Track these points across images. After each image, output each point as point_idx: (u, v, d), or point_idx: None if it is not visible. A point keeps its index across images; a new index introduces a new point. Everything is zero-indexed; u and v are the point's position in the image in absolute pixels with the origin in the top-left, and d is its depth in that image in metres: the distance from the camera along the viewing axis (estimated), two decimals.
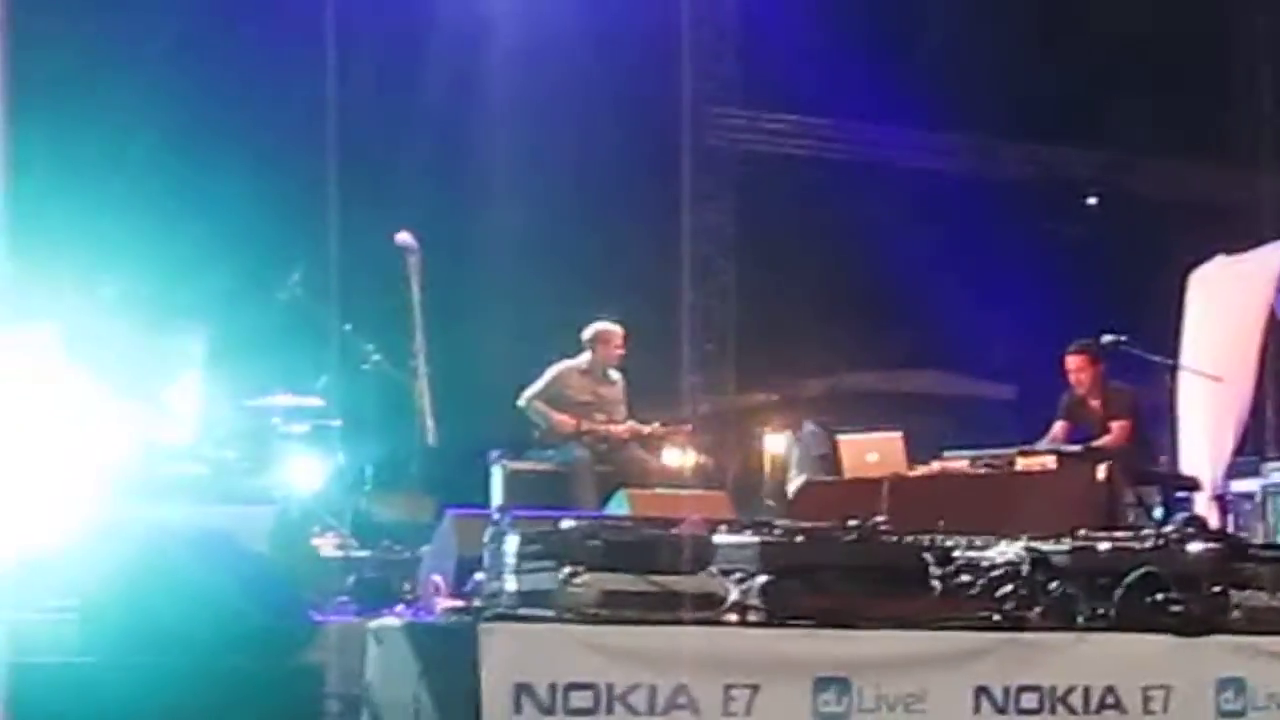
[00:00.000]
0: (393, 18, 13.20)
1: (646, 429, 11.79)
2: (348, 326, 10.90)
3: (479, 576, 6.24)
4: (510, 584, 5.94)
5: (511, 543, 5.96)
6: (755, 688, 5.87)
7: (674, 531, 6.30)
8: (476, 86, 13.40)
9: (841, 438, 11.28)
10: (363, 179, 12.54)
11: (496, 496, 11.27)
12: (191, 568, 6.34)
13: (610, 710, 5.70)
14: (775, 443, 15.84)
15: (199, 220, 11.85)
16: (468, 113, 13.34)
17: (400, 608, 7.89)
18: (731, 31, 15.38)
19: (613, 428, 11.61)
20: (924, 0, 15.25)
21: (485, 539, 6.20)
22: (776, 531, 6.49)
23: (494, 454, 11.55)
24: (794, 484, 11.52)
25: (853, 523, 6.47)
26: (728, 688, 5.85)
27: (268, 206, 11.54)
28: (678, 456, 12.29)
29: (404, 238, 10.02)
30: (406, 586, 8.56)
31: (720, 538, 6.29)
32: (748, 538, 6.28)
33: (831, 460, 11.19)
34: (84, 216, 10.95)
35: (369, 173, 12.64)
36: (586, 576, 5.78)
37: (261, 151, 11.60)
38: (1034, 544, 6.57)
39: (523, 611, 5.80)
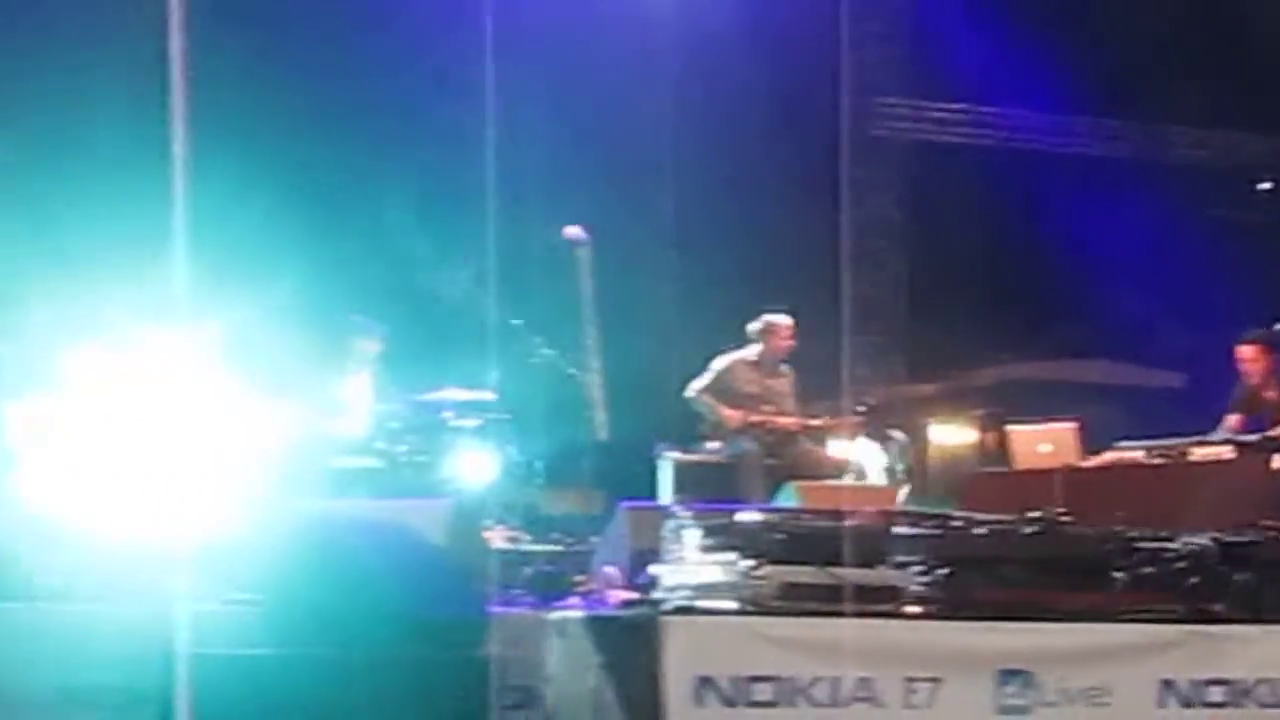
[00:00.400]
0: (556, 13, 13.23)
1: (815, 421, 11.72)
2: (517, 321, 10.94)
3: (657, 569, 6.23)
4: (690, 576, 5.93)
5: (691, 535, 5.96)
6: (937, 680, 5.84)
7: (850, 524, 6.26)
8: (641, 80, 13.40)
9: (1012, 428, 11.14)
10: (530, 174, 12.56)
11: (664, 489, 11.24)
12: (371, 560, 6.39)
13: (792, 703, 5.69)
14: (942, 434, 15.76)
15: (371, 219, 11.96)
16: (632, 106, 13.34)
17: (575, 600, 7.94)
18: (896, 20, 15.28)
19: (781, 420, 11.54)
20: None
21: (664, 531, 6.18)
22: (955, 524, 6.43)
23: (661, 447, 11.52)
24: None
25: (1033, 514, 6.41)
26: (909, 680, 5.83)
27: (437, 203, 11.61)
28: (846, 448, 12.18)
29: (573, 232, 10.04)
30: (579, 579, 8.58)
31: (898, 530, 6.25)
32: (926, 530, 6.24)
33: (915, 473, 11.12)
34: (258, 218, 11.08)
35: (536, 168, 12.68)
36: (767, 569, 5.76)
37: (430, 149, 11.69)
38: (1219, 535, 6.47)
39: (704, 604, 5.79)
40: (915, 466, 14.86)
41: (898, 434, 11.67)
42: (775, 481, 10.86)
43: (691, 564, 5.94)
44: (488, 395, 10.98)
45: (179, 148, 6.08)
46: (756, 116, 13.90)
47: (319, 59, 12.52)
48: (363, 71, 12.72)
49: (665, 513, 6.83)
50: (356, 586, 6.23)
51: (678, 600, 5.88)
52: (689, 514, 6.11)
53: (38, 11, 11.45)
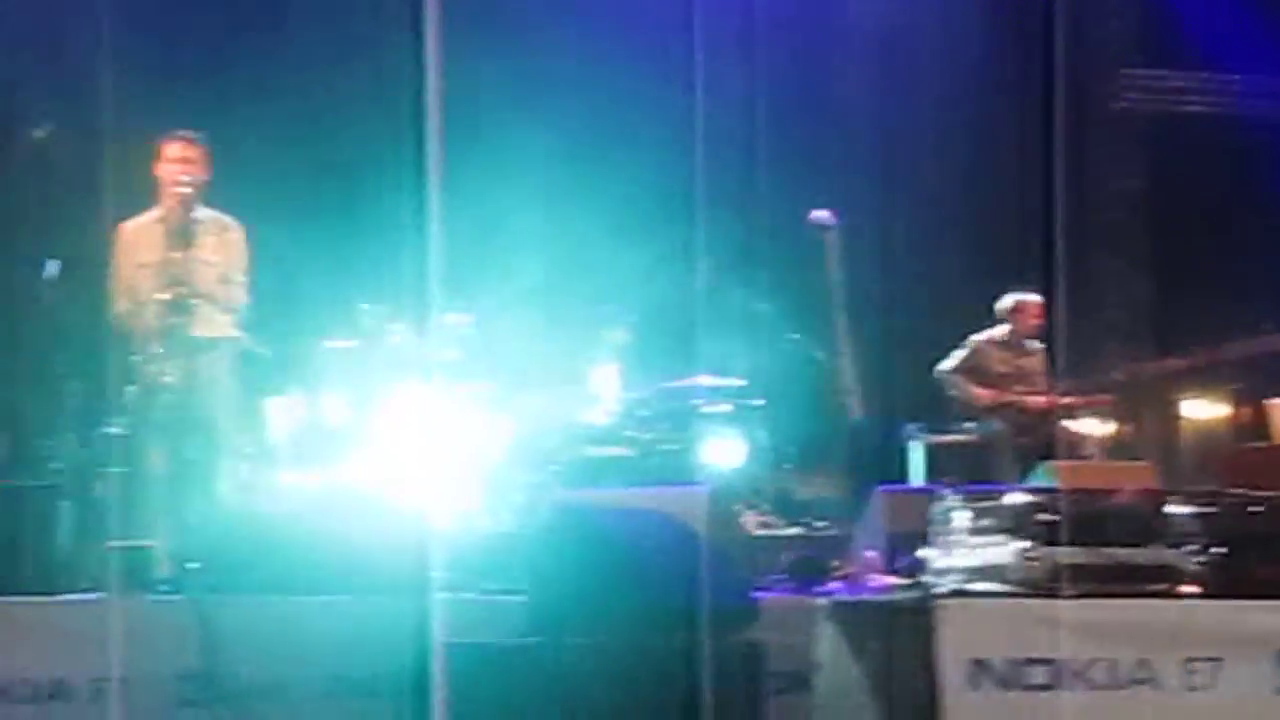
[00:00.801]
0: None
1: (1066, 400, 11.59)
2: (765, 307, 10.94)
3: (925, 553, 6.18)
4: (961, 559, 5.88)
5: (960, 517, 5.90)
6: (1218, 661, 5.72)
7: (1120, 502, 6.15)
8: (881, 62, 13.33)
9: (1273, 402, 10.94)
10: (777, 159, 12.56)
11: (915, 471, 11.20)
12: (634, 548, 6.42)
13: (1069, 685, 5.61)
14: (1194, 409, 15.44)
15: (617, 206, 12.00)
16: (872, 88, 13.28)
17: (835, 585, 7.92)
18: None
19: (1031, 399, 11.44)
20: None
21: (931, 514, 6.13)
22: (1229, 501, 6.27)
23: (910, 428, 11.47)
24: None
25: None
26: (1188, 661, 5.72)
27: (683, 189, 11.64)
28: (1098, 426, 12.01)
29: (821, 215, 10.00)
30: (836, 564, 8.56)
31: (1170, 508, 6.12)
32: (1200, 508, 6.10)
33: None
34: (506, 210, 11.19)
35: (782, 152, 12.66)
36: (1040, 550, 5.69)
37: (677, 136, 11.69)
38: None
39: (978, 587, 5.74)
40: (1167, 443, 14.64)
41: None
42: (1027, 461, 10.73)
43: (961, 547, 5.88)
44: (737, 381, 11.01)
45: (433, 144, 6.14)
46: (993, 91, 13.71)
47: (568, 48, 12.61)
48: (608, 60, 12.76)
49: (927, 495, 6.77)
50: (620, 575, 6.27)
51: (950, 584, 5.83)
52: (957, 497, 6.03)
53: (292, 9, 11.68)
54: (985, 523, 5.84)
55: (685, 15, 11.43)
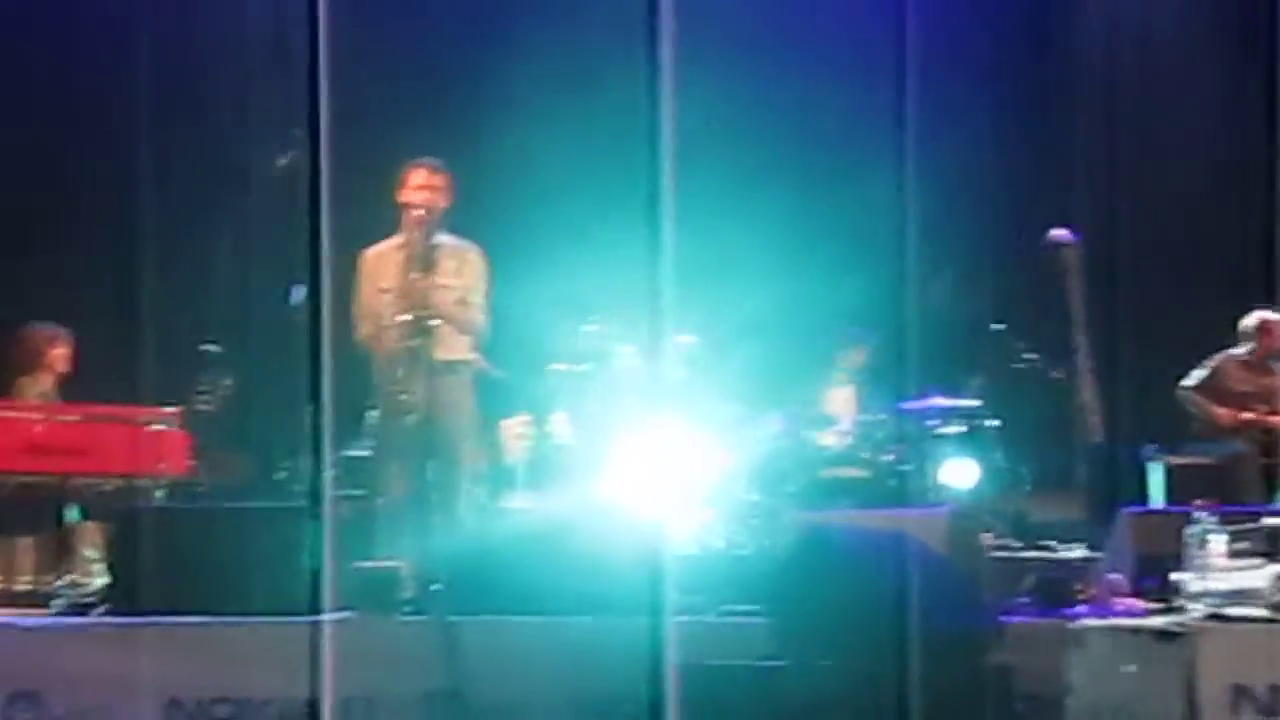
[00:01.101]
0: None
1: None
2: (1000, 326, 10.83)
3: (1178, 576, 6.06)
4: (1216, 583, 5.75)
5: (1216, 540, 5.77)
6: None
7: None
8: (1100, 81, 13.16)
9: None
10: (1006, 178, 12.46)
11: (1154, 492, 11.00)
12: (877, 571, 6.37)
13: None
14: None
15: (851, 228, 11.96)
16: (1099, 107, 13.10)
17: (1080, 608, 7.79)
18: None
19: (1275, 419, 11.22)
20: None
21: (1186, 537, 6.00)
22: None
23: (1149, 449, 11.27)
24: None
25: None
26: None
27: (923, 209, 11.57)
28: None
29: (1060, 233, 9.88)
30: (1079, 586, 8.43)
31: None
32: None
33: None
34: (739, 231, 11.20)
35: (1010, 171, 12.56)
36: None
37: (912, 152, 11.62)
38: None
39: (1235, 611, 5.61)
40: None
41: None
42: (1272, 482, 10.53)
43: (1216, 570, 5.75)
44: (972, 402, 10.91)
45: (666, 166, 6.15)
46: (1217, 107, 13.42)
47: (796, 72, 12.59)
48: (835, 85, 12.69)
49: (1176, 517, 6.64)
50: (867, 598, 6.22)
51: (1205, 608, 5.70)
52: (1213, 519, 5.90)
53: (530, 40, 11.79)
54: (1241, 545, 5.72)
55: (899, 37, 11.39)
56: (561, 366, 10.89)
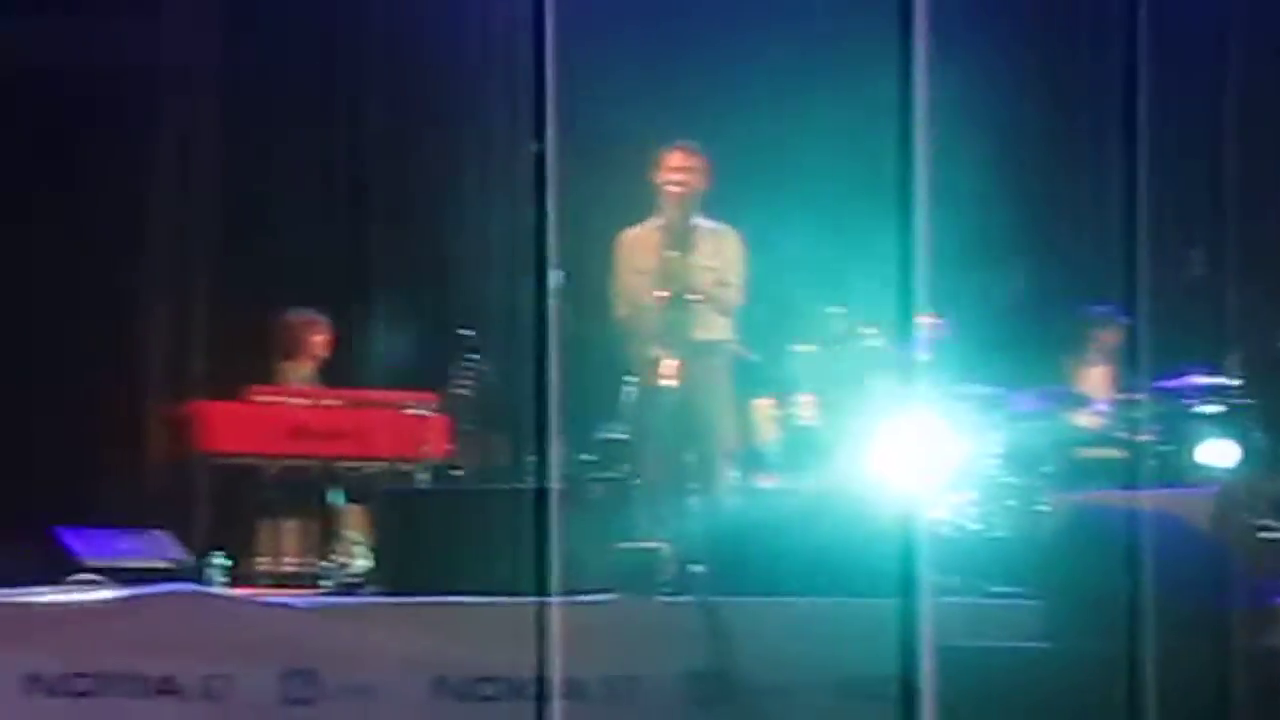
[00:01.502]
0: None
1: None
2: (1261, 301, 10.62)
3: None
4: None
5: None
6: None
7: None
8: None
9: None
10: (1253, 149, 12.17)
11: None
12: (1153, 552, 6.27)
13: None
14: None
15: (1103, 203, 11.80)
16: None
17: None
18: None
19: None
20: None
21: None
22: None
23: None
24: None
25: None
26: None
27: (1172, 183, 11.39)
28: None
29: None
30: None
31: None
32: None
33: None
34: (987, 210, 11.09)
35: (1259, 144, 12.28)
36: None
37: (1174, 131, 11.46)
38: None
39: None
40: None
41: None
42: None
43: None
44: (1232, 381, 10.70)
45: (919, 147, 6.09)
46: None
47: (1029, 50, 12.43)
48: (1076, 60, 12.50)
49: None
50: (1140, 580, 6.13)
51: None
52: None
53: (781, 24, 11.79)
54: None
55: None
56: (808, 348, 10.89)
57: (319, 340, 10.16)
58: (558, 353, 10.05)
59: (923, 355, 10.83)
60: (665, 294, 8.79)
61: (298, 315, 10.20)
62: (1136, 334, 10.95)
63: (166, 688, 6.20)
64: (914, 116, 5.91)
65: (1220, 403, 10.67)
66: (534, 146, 9.20)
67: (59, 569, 7.26)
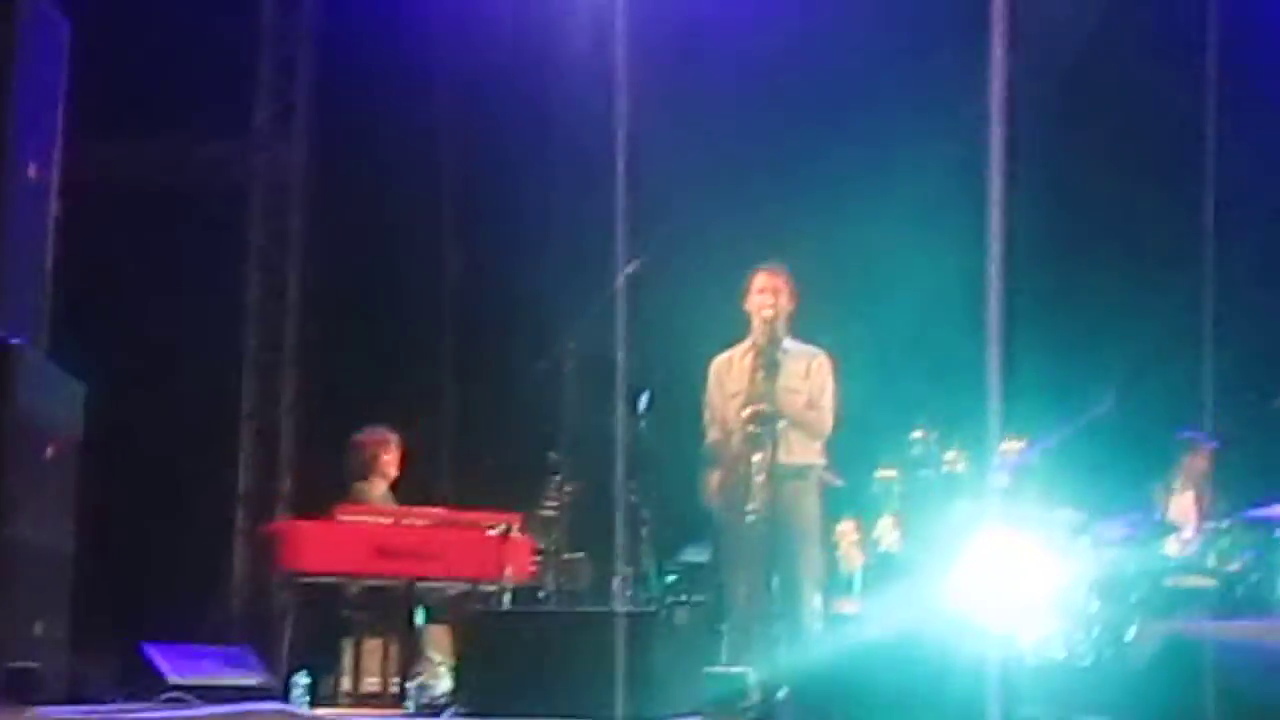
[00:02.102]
0: None
1: None
2: None
3: None
4: None
5: None
6: None
7: None
8: None
9: None
10: None
11: None
12: (1254, 684, 6.20)
13: None
14: None
15: (1189, 327, 11.75)
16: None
17: None
18: None
19: None
20: None
21: None
22: None
23: None
24: None
25: None
26: None
27: (1259, 315, 11.34)
28: None
29: None
30: None
31: None
32: None
33: None
34: (1072, 334, 11.06)
35: None
36: None
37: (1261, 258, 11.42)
38: None
39: None
40: None
41: None
42: None
43: None
44: None
45: (995, 282, 6.09)
46: None
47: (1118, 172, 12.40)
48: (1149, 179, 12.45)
49: None
50: (1231, 710, 6.05)
51: None
52: None
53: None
54: None
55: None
56: (889, 472, 10.84)
57: (390, 459, 10.14)
58: (644, 473, 10.08)
59: (1005, 479, 10.81)
60: (754, 416, 8.78)
61: (369, 433, 10.18)
62: (1226, 459, 11.05)
63: None
64: (991, 249, 5.95)
65: None
66: (627, 269, 9.32)
67: (147, 686, 7.26)
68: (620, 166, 10.03)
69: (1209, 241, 11.63)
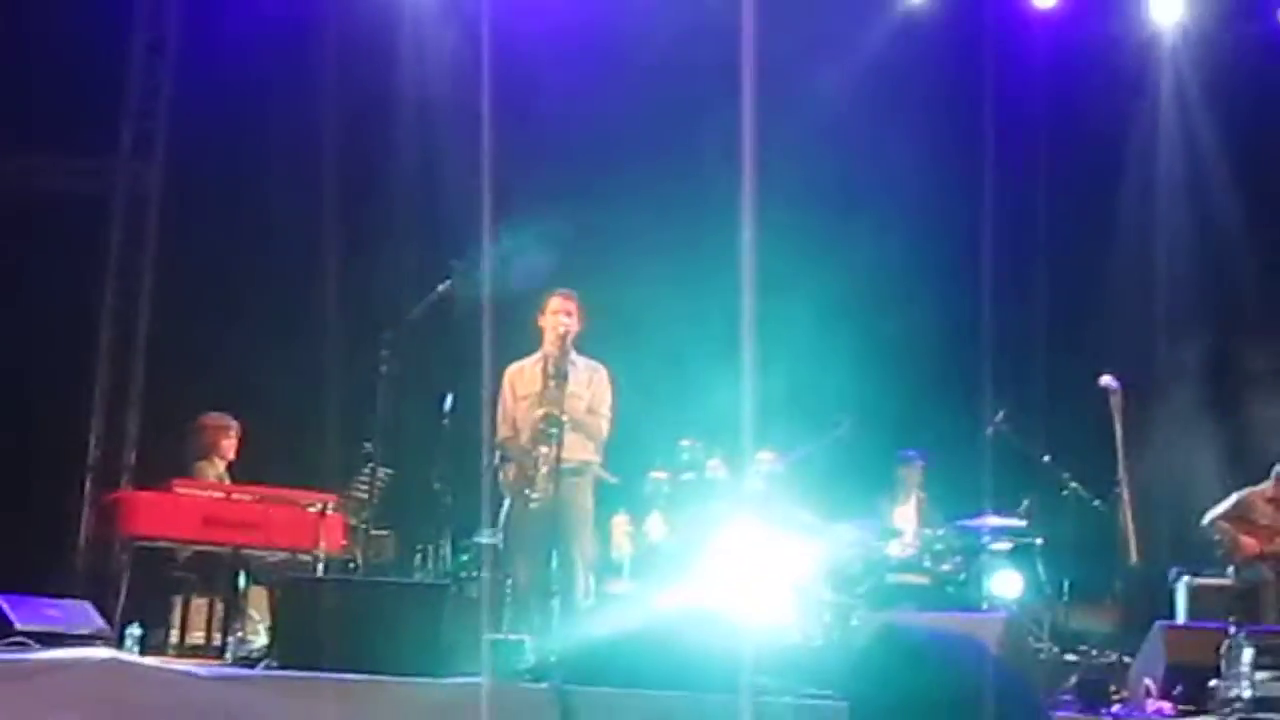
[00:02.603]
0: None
1: None
2: (1047, 457, 10.78)
3: (1213, 684, 5.97)
4: (1246, 691, 5.66)
5: (1247, 654, 5.68)
6: None
7: None
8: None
9: None
10: (1064, 322, 12.41)
11: (1180, 609, 10.87)
12: (949, 668, 6.29)
13: None
14: None
15: (916, 365, 11.97)
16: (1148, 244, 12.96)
17: (1116, 708, 7.67)
18: None
19: None
20: None
21: (1224, 650, 5.91)
22: None
23: (1175, 570, 11.16)
24: None
25: None
26: None
27: (975, 351, 11.54)
28: None
29: (1107, 380, 9.82)
30: (1114, 689, 8.31)
31: None
32: None
33: None
34: (815, 361, 11.21)
35: (1070, 317, 12.50)
36: None
37: (974, 302, 11.62)
38: None
39: (1260, 717, 5.51)
40: None
41: None
42: None
43: (1248, 680, 5.66)
44: (1020, 522, 10.84)
45: (747, 306, 6.15)
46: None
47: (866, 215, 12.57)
48: (900, 230, 12.64)
49: (1208, 632, 6.54)
50: (935, 690, 6.14)
51: (1235, 714, 5.60)
52: (1245, 635, 5.82)
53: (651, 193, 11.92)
54: (1267, 659, 5.61)
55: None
56: (660, 474, 10.91)
57: (229, 443, 10.05)
58: (445, 464, 10.03)
59: (759, 485, 10.92)
60: (545, 418, 8.79)
61: (212, 418, 10.09)
62: (941, 476, 11.27)
63: None
64: (745, 297, 6.00)
65: (1010, 540, 10.83)
66: (443, 285, 9.28)
67: None
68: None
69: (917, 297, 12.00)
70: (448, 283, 9.20)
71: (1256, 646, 5.65)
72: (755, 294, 5.83)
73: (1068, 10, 13.15)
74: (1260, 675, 5.58)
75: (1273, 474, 10.96)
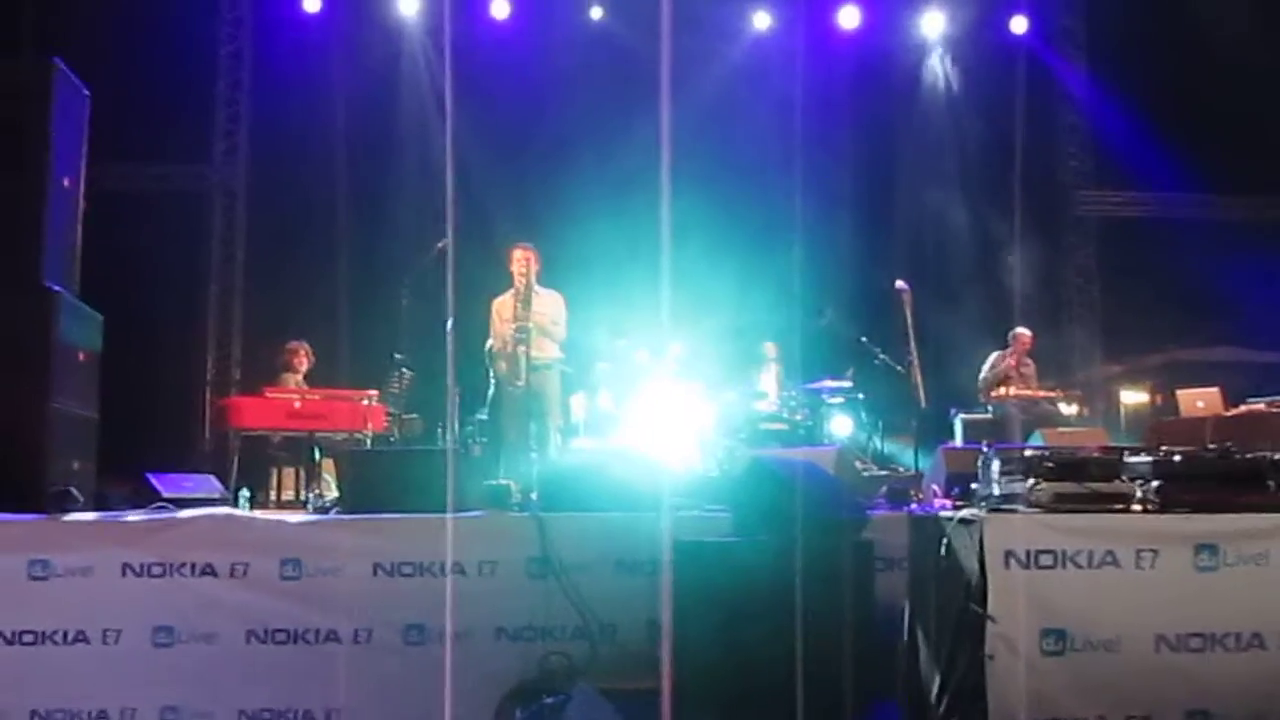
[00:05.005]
0: None
1: (1051, 393, 11.40)
2: (863, 339, 10.85)
3: (974, 486, 6.06)
4: (995, 490, 5.76)
5: (995, 464, 5.77)
6: (1156, 551, 5.55)
7: (1094, 455, 5.95)
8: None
9: (1180, 392, 10.64)
10: (873, 240, 12.45)
11: (958, 436, 11.05)
12: (795, 483, 6.37)
13: (1064, 565, 5.48)
14: (1128, 397, 14.94)
15: (775, 279, 11.98)
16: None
17: (915, 506, 7.79)
18: (1085, 133, 14.53)
19: (1029, 393, 11.26)
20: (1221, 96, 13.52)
21: (978, 463, 6.00)
22: (1162, 452, 6.06)
23: (953, 410, 11.32)
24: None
25: (1212, 446, 6.03)
26: (1139, 551, 5.55)
27: (812, 267, 11.60)
28: (1068, 409, 11.74)
29: (900, 284, 9.87)
30: (913, 492, 8.44)
31: (1127, 458, 5.93)
32: (1145, 458, 5.90)
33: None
34: (706, 277, 11.20)
35: (880, 236, 12.56)
36: (1044, 485, 5.56)
37: (810, 235, 11.65)
38: None
39: (1007, 507, 5.62)
40: (1111, 419, 14.21)
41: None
42: (1028, 430, 10.55)
43: (995, 483, 5.76)
44: (848, 383, 10.93)
45: (665, 237, 6.11)
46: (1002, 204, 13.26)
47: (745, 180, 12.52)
48: (761, 192, 12.62)
49: (973, 451, 6.63)
50: (790, 500, 6.21)
51: (991, 505, 5.71)
52: (993, 452, 5.91)
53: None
54: (1010, 468, 5.71)
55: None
56: (604, 365, 10.94)
57: (301, 360, 10.07)
58: (454, 367, 10.02)
59: (671, 366, 10.86)
60: (519, 328, 8.80)
61: (291, 343, 10.12)
62: (792, 353, 11.29)
63: (209, 571, 6.08)
64: (663, 237, 5.98)
65: (841, 396, 10.91)
66: (441, 243, 9.22)
67: (146, 499, 7.08)
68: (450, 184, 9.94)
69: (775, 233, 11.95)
70: (443, 241, 9.16)
71: (1001, 459, 5.73)
72: (670, 235, 5.85)
73: (866, 29, 13.15)
74: (1004, 479, 5.67)
75: (1009, 339, 11.16)
